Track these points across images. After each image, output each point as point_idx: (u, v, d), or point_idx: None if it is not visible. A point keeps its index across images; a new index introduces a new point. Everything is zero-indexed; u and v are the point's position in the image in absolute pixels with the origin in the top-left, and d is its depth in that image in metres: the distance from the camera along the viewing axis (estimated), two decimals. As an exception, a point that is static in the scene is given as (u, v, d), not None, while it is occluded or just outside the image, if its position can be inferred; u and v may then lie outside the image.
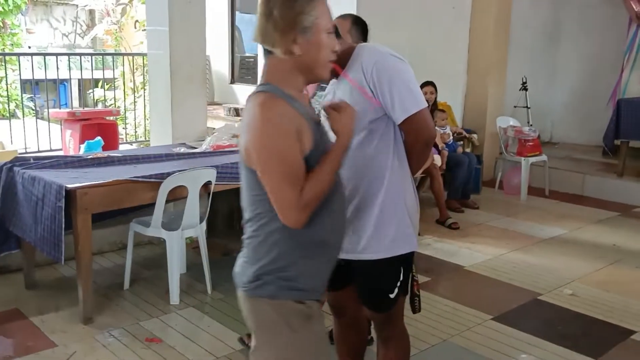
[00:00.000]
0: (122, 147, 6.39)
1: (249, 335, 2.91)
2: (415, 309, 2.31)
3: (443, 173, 5.99)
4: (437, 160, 5.83)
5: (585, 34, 8.35)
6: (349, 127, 1.73)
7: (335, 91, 2.19)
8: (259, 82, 1.75)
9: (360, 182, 2.11)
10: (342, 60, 2.12)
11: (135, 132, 8.07)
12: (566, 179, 7.00)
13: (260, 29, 1.67)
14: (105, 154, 4.29)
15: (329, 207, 1.72)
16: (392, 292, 2.19)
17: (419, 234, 5.14)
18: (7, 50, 12.16)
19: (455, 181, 6.14)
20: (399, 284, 2.19)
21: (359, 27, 2.30)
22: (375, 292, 2.23)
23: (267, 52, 1.70)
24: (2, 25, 12.61)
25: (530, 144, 6.68)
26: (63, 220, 3.31)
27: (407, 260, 2.21)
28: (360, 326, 2.50)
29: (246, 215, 1.75)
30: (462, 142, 6.63)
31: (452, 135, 6.33)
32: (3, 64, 7.92)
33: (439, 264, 4.67)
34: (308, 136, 1.64)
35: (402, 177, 2.16)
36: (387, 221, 2.12)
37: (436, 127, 5.90)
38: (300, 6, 1.64)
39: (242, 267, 1.77)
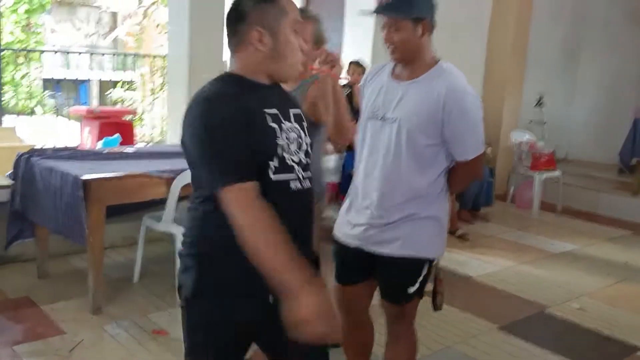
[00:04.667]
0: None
1: None
2: (437, 306, 2.37)
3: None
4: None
5: (605, 51, 8.33)
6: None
7: (403, 95, 2.18)
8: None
9: (405, 194, 2.19)
10: (421, 65, 2.18)
11: (152, 133, 8.17)
12: (580, 195, 6.97)
13: None
14: (121, 148, 4.36)
15: None
16: (412, 287, 2.26)
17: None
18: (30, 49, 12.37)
19: (467, 192, 6.13)
20: (420, 279, 2.26)
21: None
22: (397, 283, 2.30)
23: None
24: (27, 23, 12.84)
25: (545, 159, 6.68)
26: (84, 207, 3.36)
27: (431, 264, 2.29)
28: (366, 326, 2.53)
29: None
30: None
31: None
32: (26, 60, 8.08)
33: (447, 273, 4.65)
34: None
35: (443, 193, 2.25)
36: (424, 229, 2.22)
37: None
38: None
39: None
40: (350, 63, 5.70)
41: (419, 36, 2.12)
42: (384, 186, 2.19)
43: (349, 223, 2.31)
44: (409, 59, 2.17)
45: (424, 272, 2.26)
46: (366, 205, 2.24)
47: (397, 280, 2.29)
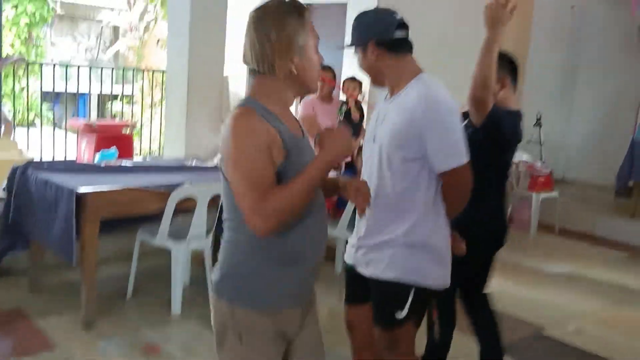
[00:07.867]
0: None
1: None
2: (433, 337, 2.33)
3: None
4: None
5: (602, 75, 8.36)
6: (337, 146, 1.68)
7: (386, 114, 2.20)
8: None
9: (387, 216, 2.18)
10: (397, 83, 2.19)
11: (150, 146, 8.16)
12: (577, 217, 6.95)
13: (254, 54, 1.69)
14: (118, 162, 4.34)
15: (305, 221, 1.71)
16: (400, 312, 2.19)
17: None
18: (30, 62, 12.39)
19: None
20: (407, 306, 2.18)
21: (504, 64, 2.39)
22: (383, 307, 2.26)
23: (255, 72, 1.73)
24: (27, 36, 12.88)
25: (542, 179, 6.67)
26: (74, 223, 3.34)
27: (422, 291, 2.19)
28: (370, 352, 2.46)
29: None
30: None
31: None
32: (25, 73, 8.07)
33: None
34: (279, 149, 1.65)
35: (432, 216, 2.18)
36: (412, 253, 2.16)
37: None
38: (293, 28, 1.67)
39: (215, 267, 1.82)
40: (345, 80, 5.61)
41: (374, 60, 2.17)
42: (373, 207, 2.13)
43: (351, 245, 2.36)
44: (380, 82, 2.24)
45: (411, 297, 2.17)
46: (360, 226, 2.28)
47: (384, 303, 2.24)
